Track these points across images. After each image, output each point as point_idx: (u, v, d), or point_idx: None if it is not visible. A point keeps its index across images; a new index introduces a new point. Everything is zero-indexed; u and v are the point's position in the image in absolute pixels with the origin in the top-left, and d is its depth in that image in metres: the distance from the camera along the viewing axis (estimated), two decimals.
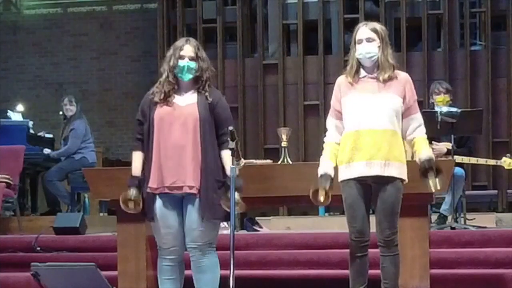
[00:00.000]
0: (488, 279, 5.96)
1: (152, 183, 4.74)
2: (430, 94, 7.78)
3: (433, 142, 7.44)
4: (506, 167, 7.37)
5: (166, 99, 4.78)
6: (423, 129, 4.85)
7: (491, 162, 7.74)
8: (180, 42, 4.89)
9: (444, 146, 7.39)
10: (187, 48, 4.83)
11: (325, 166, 4.81)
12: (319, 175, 4.79)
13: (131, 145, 4.95)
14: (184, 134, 4.72)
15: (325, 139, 4.95)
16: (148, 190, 4.75)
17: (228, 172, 4.65)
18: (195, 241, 4.75)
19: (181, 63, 4.79)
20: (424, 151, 4.78)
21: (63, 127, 9.40)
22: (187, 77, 4.80)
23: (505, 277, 5.93)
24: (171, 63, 4.82)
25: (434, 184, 4.71)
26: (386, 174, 4.68)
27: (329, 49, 11.38)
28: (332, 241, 6.59)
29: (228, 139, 4.58)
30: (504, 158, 7.38)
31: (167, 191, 4.73)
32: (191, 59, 4.80)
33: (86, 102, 12.50)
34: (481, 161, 7.78)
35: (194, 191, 4.69)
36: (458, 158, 7.28)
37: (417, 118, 4.83)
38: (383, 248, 4.78)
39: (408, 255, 5.27)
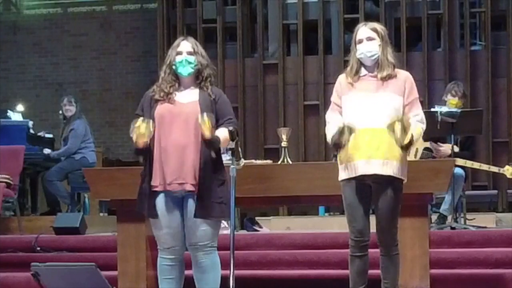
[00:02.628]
0: (488, 279, 5.96)
1: (154, 181, 4.73)
2: (445, 93, 7.77)
3: (438, 143, 7.44)
4: (509, 176, 7.35)
5: (166, 97, 4.78)
6: (423, 124, 4.83)
7: (494, 169, 7.72)
8: (177, 40, 4.92)
9: (448, 147, 7.39)
10: (184, 44, 4.85)
11: (334, 125, 4.77)
12: (332, 135, 4.73)
13: (131, 145, 4.93)
14: (185, 132, 4.71)
15: (326, 128, 4.90)
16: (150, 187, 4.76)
17: (219, 132, 4.66)
18: (196, 241, 4.75)
19: (179, 58, 4.80)
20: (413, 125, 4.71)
21: (63, 127, 9.39)
22: (187, 71, 4.80)
23: (505, 277, 5.93)
24: (169, 61, 4.83)
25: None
26: (385, 173, 4.68)
27: (329, 49, 11.38)
28: (332, 241, 6.59)
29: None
30: (507, 167, 7.37)
31: (168, 189, 4.72)
32: (189, 53, 4.80)
33: (86, 102, 12.50)
34: (484, 167, 7.77)
35: (194, 189, 4.69)
36: (461, 162, 7.30)
37: (419, 114, 4.82)
38: (383, 248, 4.78)
39: (408, 255, 5.27)
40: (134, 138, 4.65)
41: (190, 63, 4.79)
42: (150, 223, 4.91)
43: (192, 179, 4.69)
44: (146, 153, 4.73)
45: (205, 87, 4.81)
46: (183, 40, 4.88)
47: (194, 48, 4.83)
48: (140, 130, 4.60)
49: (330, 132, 4.78)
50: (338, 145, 4.71)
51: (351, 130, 4.66)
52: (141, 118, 4.66)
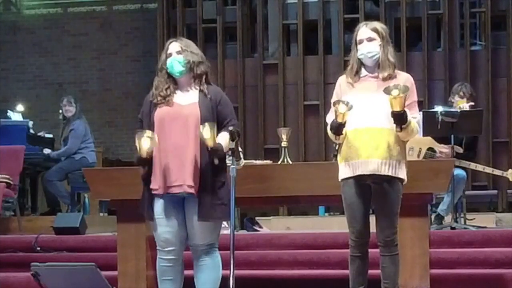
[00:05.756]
0: (488, 279, 5.96)
1: (154, 184, 4.73)
2: (452, 93, 7.77)
3: (442, 144, 7.44)
4: (511, 179, 7.38)
5: (164, 100, 4.78)
6: (419, 127, 4.85)
7: (497, 172, 7.74)
8: (166, 43, 4.92)
9: (451, 149, 7.39)
10: (172, 45, 4.85)
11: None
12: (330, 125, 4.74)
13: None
14: (185, 134, 4.71)
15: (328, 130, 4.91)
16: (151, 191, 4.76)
17: (221, 141, 4.66)
18: (197, 242, 4.75)
19: (168, 60, 4.81)
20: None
21: (63, 127, 9.39)
22: (178, 71, 4.79)
23: (505, 277, 5.94)
24: (161, 64, 4.85)
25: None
26: (384, 173, 4.68)
27: (329, 49, 11.39)
28: (332, 241, 6.59)
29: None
30: (510, 170, 7.41)
31: (168, 191, 4.72)
32: (178, 52, 4.81)
33: (86, 102, 12.49)
34: (488, 169, 7.79)
35: (193, 191, 4.69)
36: (465, 164, 7.31)
37: (416, 117, 4.83)
38: (383, 248, 4.78)
39: (408, 255, 5.27)
40: (138, 148, 4.67)
41: (179, 62, 4.79)
42: (150, 224, 4.91)
43: (192, 181, 4.68)
44: (149, 163, 4.74)
45: (202, 87, 4.81)
46: (171, 42, 4.89)
47: (182, 46, 4.83)
48: (143, 145, 4.63)
49: (329, 121, 4.78)
50: (337, 129, 4.69)
51: (348, 104, 4.62)
52: (147, 132, 4.66)
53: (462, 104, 7.47)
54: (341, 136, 4.75)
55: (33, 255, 6.81)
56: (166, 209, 4.75)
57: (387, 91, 4.56)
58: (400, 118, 4.60)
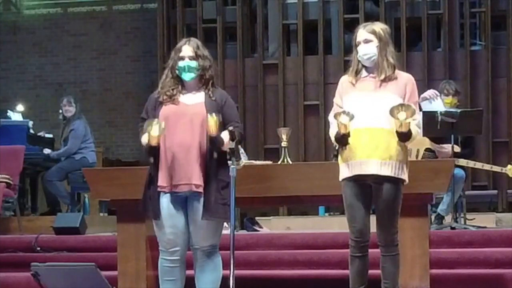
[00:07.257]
0: (488, 279, 5.96)
1: (160, 182, 4.74)
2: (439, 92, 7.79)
3: (440, 144, 7.45)
4: (511, 175, 7.37)
5: (170, 99, 4.79)
6: (419, 129, 4.85)
7: (496, 168, 7.75)
8: (180, 43, 4.92)
9: (450, 148, 7.39)
10: (186, 49, 4.84)
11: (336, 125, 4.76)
12: (334, 135, 4.76)
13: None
14: (190, 132, 4.72)
15: (330, 131, 4.91)
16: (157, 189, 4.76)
17: (225, 135, 4.68)
18: (199, 243, 4.76)
19: (181, 63, 4.80)
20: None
21: (63, 127, 9.38)
22: (189, 76, 4.81)
23: (505, 277, 5.93)
24: (172, 64, 4.84)
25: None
26: (383, 173, 4.69)
27: (329, 49, 11.39)
28: (332, 241, 6.59)
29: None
30: (509, 166, 7.40)
31: (173, 190, 4.73)
32: (191, 58, 4.81)
33: (86, 102, 12.50)
34: (486, 166, 7.79)
35: (199, 190, 4.70)
36: (464, 162, 7.31)
37: (417, 119, 4.82)
38: (383, 248, 4.79)
39: (408, 255, 5.27)
40: (145, 139, 4.66)
41: (192, 68, 4.80)
42: (151, 224, 4.91)
43: (197, 180, 4.70)
44: (157, 152, 4.73)
45: (208, 89, 4.82)
46: (185, 44, 4.88)
47: (196, 51, 4.83)
48: (152, 132, 4.62)
49: (333, 132, 4.80)
50: (341, 140, 4.71)
51: (349, 114, 4.63)
52: (155, 120, 4.66)
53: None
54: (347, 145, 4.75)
55: (33, 255, 6.81)
56: (172, 208, 4.76)
57: (393, 113, 4.58)
58: (404, 136, 4.65)
